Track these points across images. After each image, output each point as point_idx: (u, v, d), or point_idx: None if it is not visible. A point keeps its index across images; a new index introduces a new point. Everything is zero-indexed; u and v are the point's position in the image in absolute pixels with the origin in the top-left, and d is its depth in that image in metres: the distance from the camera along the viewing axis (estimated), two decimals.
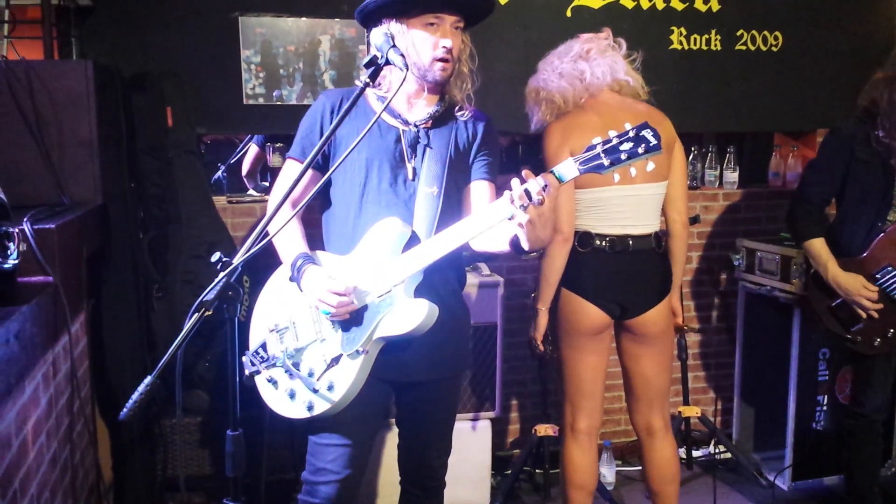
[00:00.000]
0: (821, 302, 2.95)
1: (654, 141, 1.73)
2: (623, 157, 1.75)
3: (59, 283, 1.84)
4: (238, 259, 1.70)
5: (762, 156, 4.23)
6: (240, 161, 4.39)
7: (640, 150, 1.74)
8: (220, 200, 3.45)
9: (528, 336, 2.79)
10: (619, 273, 2.65)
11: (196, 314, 1.65)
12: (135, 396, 1.58)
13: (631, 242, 2.65)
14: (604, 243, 2.65)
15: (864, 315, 2.84)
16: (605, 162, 1.76)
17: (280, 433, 3.16)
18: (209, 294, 1.66)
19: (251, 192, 4.00)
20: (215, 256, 1.70)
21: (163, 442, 3.06)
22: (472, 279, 3.33)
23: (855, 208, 2.90)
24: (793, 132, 4.13)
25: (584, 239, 2.65)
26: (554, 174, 1.80)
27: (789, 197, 4.00)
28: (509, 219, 1.84)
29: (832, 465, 3.61)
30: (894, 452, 3.77)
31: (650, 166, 1.78)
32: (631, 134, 1.75)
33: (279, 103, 3.39)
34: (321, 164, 2.16)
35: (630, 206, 2.65)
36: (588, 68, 2.63)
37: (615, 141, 1.76)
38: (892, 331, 2.85)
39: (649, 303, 2.68)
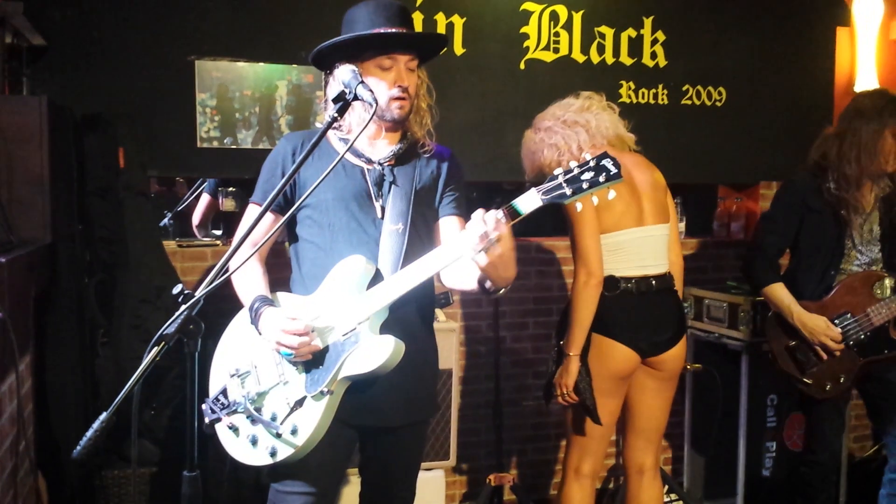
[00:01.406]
0: (779, 342, 2.99)
1: (614, 170, 1.76)
2: (585, 185, 1.77)
3: (6, 319, 1.77)
4: (200, 292, 1.66)
5: (707, 207, 4.35)
6: (188, 208, 4.32)
7: (602, 179, 1.76)
8: (169, 245, 3.38)
9: (552, 382, 2.69)
10: (645, 313, 2.69)
11: (155, 348, 1.60)
12: (89, 434, 1.51)
13: (654, 283, 2.70)
14: (630, 285, 2.67)
15: (824, 356, 2.89)
16: (568, 191, 1.78)
17: (229, 487, 3.06)
18: (170, 328, 1.61)
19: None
20: (177, 289, 1.66)
21: (104, 495, 2.92)
22: None
23: (808, 256, 2.99)
24: (736, 184, 4.27)
25: (609, 283, 2.66)
26: (514, 207, 1.81)
27: (734, 246, 4.16)
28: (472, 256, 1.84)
29: None
30: (842, 499, 3.83)
31: (611, 194, 1.80)
32: (592, 164, 1.78)
33: (233, 147, 3.37)
34: (283, 207, 2.14)
35: (648, 246, 2.72)
36: (593, 119, 2.71)
37: (576, 171, 1.78)
38: (843, 377, 2.91)
39: (672, 341, 2.73)
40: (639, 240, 2.70)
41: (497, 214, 1.78)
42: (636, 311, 2.68)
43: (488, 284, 1.94)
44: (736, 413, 3.61)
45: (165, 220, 4.27)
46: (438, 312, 3.49)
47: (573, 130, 2.70)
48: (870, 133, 2.82)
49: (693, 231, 4.23)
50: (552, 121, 2.75)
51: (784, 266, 3.12)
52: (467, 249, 1.82)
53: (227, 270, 1.71)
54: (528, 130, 2.86)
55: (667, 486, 3.88)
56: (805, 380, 2.93)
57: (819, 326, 2.87)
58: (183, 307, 1.63)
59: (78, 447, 1.50)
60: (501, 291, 1.96)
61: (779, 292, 2.96)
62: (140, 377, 1.58)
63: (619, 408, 2.79)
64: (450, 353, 3.36)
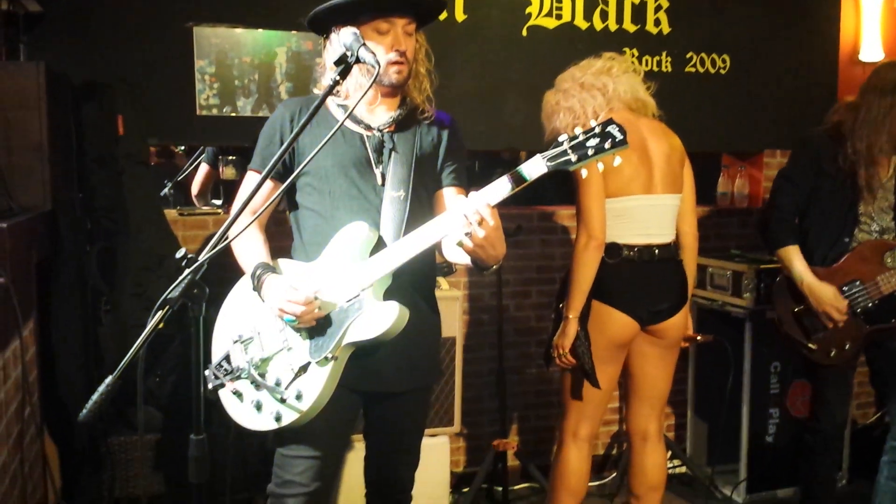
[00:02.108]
0: (786, 306, 2.98)
1: (619, 136, 1.75)
2: (590, 152, 1.76)
3: (9, 285, 1.76)
4: (204, 256, 1.64)
5: (710, 176, 4.32)
6: (187, 178, 4.30)
7: (607, 146, 1.75)
8: (170, 213, 3.36)
9: (552, 344, 2.70)
10: (647, 282, 2.67)
11: (160, 312, 1.59)
12: (95, 397, 1.50)
13: (656, 252, 2.68)
14: (632, 253, 2.66)
15: (829, 325, 2.87)
16: (573, 158, 1.77)
17: (231, 452, 3.07)
18: (173, 291, 1.60)
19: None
20: (180, 253, 1.64)
21: (111, 462, 2.94)
22: None
23: (821, 221, 2.94)
24: (740, 153, 4.24)
25: (611, 250, 2.65)
26: (520, 173, 1.81)
27: (738, 215, 4.14)
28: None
29: (786, 478, 3.66)
30: (845, 464, 3.85)
31: (617, 161, 1.79)
32: (597, 130, 1.76)
33: (233, 115, 3.34)
34: (282, 174, 2.11)
35: (655, 215, 2.69)
36: (611, 83, 2.66)
37: (582, 137, 1.77)
38: (848, 344, 2.90)
39: (673, 309, 2.72)
40: (645, 207, 2.67)
41: (480, 200, 1.79)
42: (637, 279, 2.66)
43: (480, 263, 1.93)
44: (739, 380, 3.61)
45: (165, 190, 4.25)
46: (441, 280, 3.48)
47: (590, 94, 2.66)
48: (882, 109, 2.78)
49: (697, 200, 4.19)
50: (570, 82, 2.70)
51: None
52: (453, 232, 1.82)
53: (227, 237, 1.70)
54: (548, 91, 2.81)
55: (670, 453, 3.90)
56: (810, 345, 2.92)
57: (826, 296, 2.84)
58: (187, 271, 1.62)
59: (83, 410, 1.50)
60: (493, 268, 1.95)
61: (793, 256, 2.91)
62: (144, 341, 1.58)
63: (618, 373, 2.79)
64: (453, 321, 3.36)
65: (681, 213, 2.79)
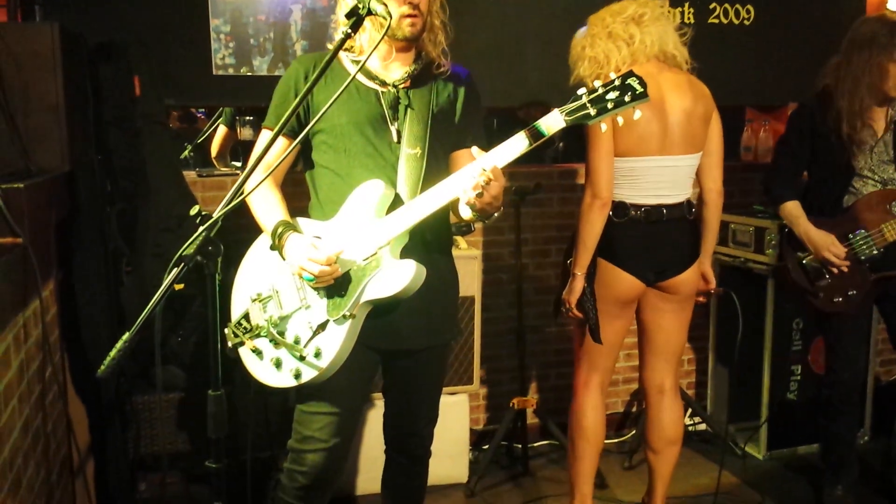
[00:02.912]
0: (792, 256, 3.07)
1: (640, 89, 1.72)
2: (610, 105, 1.73)
3: (28, 245, 1.77)
4: (218, 212, 1.64)
5: (734, 130, 4.24)
6: (207, 140, 4.30)
7: (627, 99, 1.73)
8: (189, 175, 3.37)
9: (560, 298, 2.75)
10: (654, 241, 2.66)
11: (175, 269, 1.60)
12: (112, 353, 1.52)
13: (665, 212, 2.65)
14: (639, 213, 2.64)
15: (834, 271, 2.94)
16: (592, 112, 1.75)
17: (255, 411, 3.10)
18: (188, 249, 1.61)
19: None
20: (194, 210, 1.64)
21: (135, 419, 2.98)
22: None
23: (822, 178, 3.04)
24: (764, 106, 4.16)
25: (619, 209, 2.63)
26: (537, 128, 1.79)
27: (761, 170, 4.06)
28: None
29: (807, 435, 3.65)
30: (867, 421, 3.83)
31: (637, 114, 1.76)
32: (617, 83, 1.74)
33: (249, 74, 3.32)
34: (297, 131, 2.10)
35: (666, 176, 2.64)
36: (638, 34, 2.58)
37: (601, 90, 1.75)
38: (853, 291, 2.95)
39: (681, 266, 2.71)
40: (657, 169, 2.62)
41: (489, 161, 1.80)
42: (643, 240, 2.65)
43: (481, 214, 1.93)
44: (761, 337, 3.59)
45: (186, 153, 4.26)
46: (460, 240, 3.47)
47: (615, 45, 2.58)
48: (860, 63, 2.83)
49: None
50: (599, 27, 2.62)
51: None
52: (460, 192, 1.83)
53: (242, 192, 1.70)
54: (578, 32, 2.75)
55: (690, 410, 3.91)
56: (815, 292, 3.00)
57: (823, 241, 2.93)
58: (201, 228, 1.62)
59: (102, 366, 1.51)
60: (496, 215, 1.95)
61: (790, 208, 3.03)
62: (161, 297, 1.58)
63: (626, 327, 2.81)
64: (472, 280, 3.36)
65: (704, 168, 2.74)
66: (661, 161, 2.61)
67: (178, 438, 3.06)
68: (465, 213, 1.99)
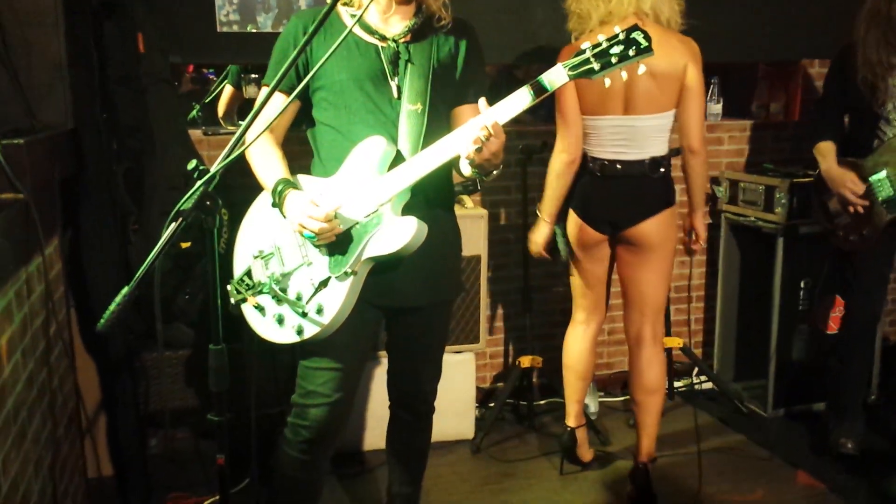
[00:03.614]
0: (818, 193, 3.20)
1: (644, 43, 1.70)
2: (613, 60, 1.72)
3: (29, 201, 1.78)
4: (216, 167, 1.64)
5: (746, 87, 4.18)
6: (215, 100, 4.28)
7: (631, 53, 1.71)
8: (195, 133, 3.37)
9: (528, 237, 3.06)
10: (608, 194, 2.78)
11: (173, 224, 1.60)
12: (112, 307, 1.53)
13: (619, 167, 2.73)
14: (594, 166, 2.76)
15: (851, 210, 3.03)
16: (596, 66, 1.73)
17: (264, 368, 3.14)
18: (186, 203, 1.61)
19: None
20: (192, 164, 1.64)
21: (144, 376, 3.02)
22: (456, 211, 3.28)
23: (855, 121, 3.15)
24: (777, 63, 4.08)
25: (581, 161, 2.79)
26: (540, 82, 1.78)
27: (773, 129, 4.02)
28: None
29: (812, 393, 3.65)
30: (875, 381, 3.82)
31: (641, 69, 1.74)
32: (621, 37, 1.71)
33: (254, 31, 3.29)
34: (296, 87, 2.08)
35: (623, 135, 2.72)
36: None
37: (605, 45, 1.73)
38: (867, 230, 3.03)
39: (641, 216, 2.76)
40: (615, 128, 2.71)
41: (491, 116, 1.79)
42: (598, 191, 2.79)
43: (481, 171, 1.92)
44: (769, 297, 3.57)
45: (194, 113, 4.25)
46: (466, 199, 3.46)
47: (595, 2, 2.63)
48: (882, 8, 2.92)
49: (731, 113, 4.09)
50: None
51: None
52: (463, 147, 1.82)
53: (242, 145, 1.69)
54: None
55: (696, 369, 3.92)
56: (833, 230, 3.13)
57: (842, 178, 3.02)
58: (199, 182, 1.62)
59: (102, 320, 1.52)
60: (495, 173, 1.95)
61: (822, 146, 3.12)
62: (160, 252, 1.59)
63: (598, 271, 2.99)
64: (478, 239, 3.35)
65: (681, 127, 2.76)
66: (621, 121, 2.69)
67: (186, 395, 3.10)
68: (465, 170, 1.98)
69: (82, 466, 2.29)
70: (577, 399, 3.15)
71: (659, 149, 2.75)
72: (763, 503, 2.96)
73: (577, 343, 3.09)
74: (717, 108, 3.97)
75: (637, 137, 2.71)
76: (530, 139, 3.54)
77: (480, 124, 1.79)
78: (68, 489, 2.07)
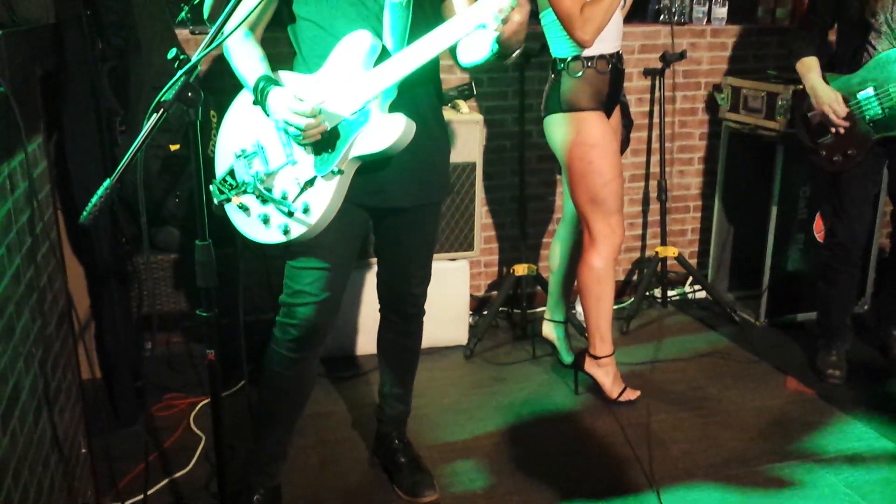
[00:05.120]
0: (800, 110, 3.11)
1: None
2: None
3: (9, 94, 1.73)
4: (197, 55, 1.59)
5: None
6: (203, 2, 4.16)
7: None
8: (182, 33, 3.27)
9: None
10: (614, 86, 2.88)
11: (154, 115, 1.56)
12: (94, 199, 1.50)
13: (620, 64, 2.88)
14: (605, 60, 2.81)
15: (832, 130, 2.94)
16: None
17: (257, 274, 3.14)
18: (167, 94, 1.56)
19: None
20: (171, 53, 1.59)
21: (137, 280, 3.02)
22: (451, 116, 3.23)
23: (843, 34, 3.00)
24: None
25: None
26: None
27: (779, 34, 3.92)
28: (482, 27, 1.73)
29: (805, 303, 3.66)
30: (868, 291, 3.83)
31: None
32: None
33: None
34: None
35: (616, 28, 2.77)
36: None
37: None
38: (852, 150, 2.94)
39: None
40: (615, 21, 2.76)
41: None
42: (609, 84, 2.84)
43: (504, 50, 1.83)
44: (767, 206, 3.54)
45: (183, 15, 4.13)
46: (461, 104, 3.38)
47: None
48: None
49: (735, 18, 3.97)
50: None
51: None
52: (489, 18, 1.71)
53: (221, 36, 1.63)
54: None
55: (691, 278, 3.92)
56: (816, 149, 3.03)
57: (827, 96, 2.92)
58: (179, 72, 1.56)
59: (84, 213, 1.50)
60: (514, 56, 1.88)
61: (807, 62, 3.01)
62: (142, 144, 1.56)
63: None
64: (474, 145, 3.30)
65: None
66: (618, 14, 2.75)
67: (179, 298, 3.10)
68: (478, 53, 1.91)
69: (75, 366, 2.30)
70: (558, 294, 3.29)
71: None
72: (751, 407, 3.00)
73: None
74: (721, 11, 3.86)
75: (619, 29, 2.82)
76: (528, 42, 3.43)
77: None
78: (61, 386, 2.08)
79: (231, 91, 2.12)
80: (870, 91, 2.85)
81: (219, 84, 3.04)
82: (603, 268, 2.88)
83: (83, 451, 2.26)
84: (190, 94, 1.59)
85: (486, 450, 2.73)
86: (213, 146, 2.62)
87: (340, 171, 1.93)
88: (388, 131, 1.90)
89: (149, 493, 2.36)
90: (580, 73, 2.75)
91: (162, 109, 1.56)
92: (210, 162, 2.13)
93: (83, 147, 2.65)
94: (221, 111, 2.36)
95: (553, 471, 2.61)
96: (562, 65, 2.77)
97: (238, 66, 2.00)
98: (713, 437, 2.80)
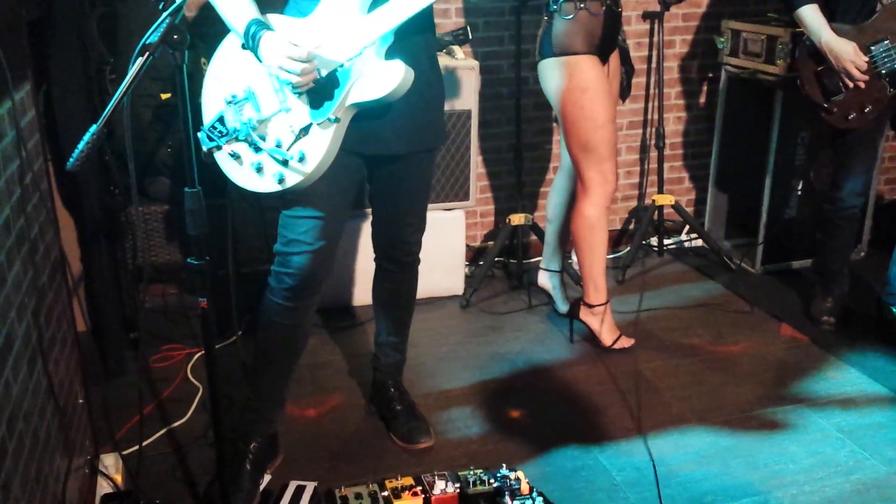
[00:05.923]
0: (807, 67, 2.90)
1: None
2: None
3: None
4: None
5: None
6: None
7: None
8: None
9: None
10: (611, 30, 2.83)
11: (140, 59, 1.52)
12: (80, 146, 1.47)
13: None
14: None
15: (850, 84, 2.79)
16: None
17: (252, 225, 3.12)
18: (152, 37, 1.52)
19: None
20: None
21: (130, 231, 3.00)
22: (446, 62, 3.18)
23: None
24: None
25: None
26: None
27: None
28: None
29: (802, 250, 3.66)
30: (866, 237, 3.83)
31: None
32: None
33: None
34: None
35: None
36: None
37: None
38: (869, 107, 2.81)
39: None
40: None
41: None
42: (603, 28, 2.78)
43: None
44: (765, 152, 3.51)
45: None
46: (457, 50, 3.33)
47: None
48: None
49: None
50: None
51: None
52: None
53: None
54: None
55: (687, 226, 3.91)
56: (829, 107, 2.86)
57: (845, 51, 2.74)
58: (165, 13, 1.53)
59: (71, 159, 1.47)
60: None
61: (809, 14, 2.81)
62: (127, 89, 1.52)
63: None
64: (469, 93, 3.26)
65: None
66: None
67: (174, 249, 3.09)
68: None
69: (70, 317, 2.29)
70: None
71: None
72: (745, 353, 3.02)
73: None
74: None
75: None
76: None
77: None
78: (56, 336, 2.07)
79: (223, 38, 2.07)
80: (885, 43, 2.73)
81: (210, 30, 2.98)
82: (595, 216, 2.86)
83: (80, 401, 2.26)
84: (175, 36, 1.55)
85: (481, 398, 2.74)
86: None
87: (337, 119, 1.90)
88: (386, 78, 1.86)
89: (147, 442, 2.38)
90: (572, 15, 2.70)
91: (147, 53, 1.52)
92: (198, 108, 2.09)
93: (71, 96, 2.60)
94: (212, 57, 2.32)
95: (547, 418, 2.63)
96: (554, 5, 2.71)
97: (224, 10, 1.93)
98: (706, 382, 2.82)
